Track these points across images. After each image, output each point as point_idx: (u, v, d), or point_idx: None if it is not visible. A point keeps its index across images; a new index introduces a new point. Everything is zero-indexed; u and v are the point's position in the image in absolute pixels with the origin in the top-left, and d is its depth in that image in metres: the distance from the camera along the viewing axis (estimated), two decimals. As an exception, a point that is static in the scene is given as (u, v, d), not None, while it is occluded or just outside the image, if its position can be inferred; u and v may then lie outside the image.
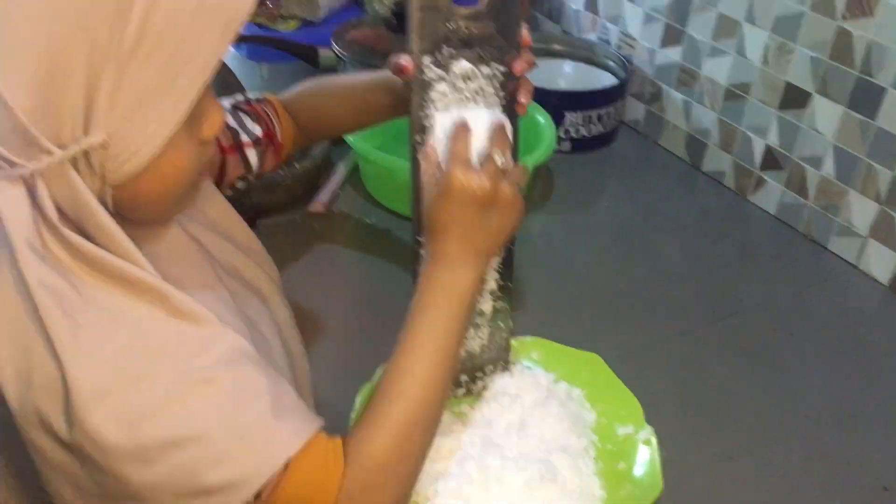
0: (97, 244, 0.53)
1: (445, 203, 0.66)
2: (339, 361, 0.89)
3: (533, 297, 1.02)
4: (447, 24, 0.69)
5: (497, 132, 0.69)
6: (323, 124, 0.91)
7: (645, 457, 0.79)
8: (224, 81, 1.28)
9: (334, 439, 0.60)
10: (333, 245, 1.10)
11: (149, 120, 0.51)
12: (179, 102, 0.51)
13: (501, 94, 0.72)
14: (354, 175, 1.21)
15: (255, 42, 1.40)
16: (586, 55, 1.43)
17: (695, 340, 0.98)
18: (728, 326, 1.00)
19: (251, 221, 1.09)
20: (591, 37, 1.46)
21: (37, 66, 0.47)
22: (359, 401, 0.81)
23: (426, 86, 0.70)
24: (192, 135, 0.56)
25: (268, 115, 0.86)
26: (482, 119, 0.70)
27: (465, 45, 0.70)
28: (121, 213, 0.56)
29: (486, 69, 0.71)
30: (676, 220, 1.21)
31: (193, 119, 0.55)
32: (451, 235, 0.67)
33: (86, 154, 0.50)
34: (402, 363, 0.65)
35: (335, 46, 1.31)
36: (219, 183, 0.82)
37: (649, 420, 0.81)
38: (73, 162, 0.51)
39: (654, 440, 0.80)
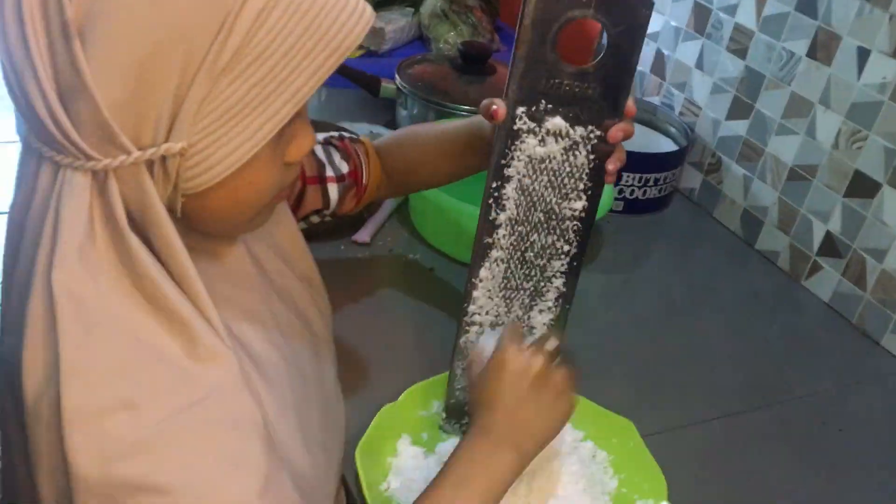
0: (154, 253, 0.50)
1: (494, 376, 0.66)
2: (366, 395, 0.85)
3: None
4: (550, 79, 0.66)
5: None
6: (413, 171, 0.88)
7: None
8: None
9: None
10: (373, 277, 1.07)
11: (233, 136, 0.49)
12: (267, 123, 0.49)
13: (591, 157, 0.70)
14: (402, 209, 1.19)
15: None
16: (647, 118, 1.41)
17: (734, 425, 0.94)
18: (771, 414, 0.96)
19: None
20: (655, 100, 1.44)
21: (130, 60, 0.45)
22: (373, 422, 0.78)
23: (514, 136, 0.68)
24: (276, 155, 0.54)
25: (357, 155, 0.85)
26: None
27: (565, 102, 0.67)
28: (187, 223, 0.54)
29: (580, 130, 0.68)
30: (723, 296, 1.17)
31: (281, 140, 0.53)
32: (499, 409, 0.66)
33: (163, 159, 0.49)
34: None
35: (398, 79, 1.30)
36: (294, 210, 0.80)
37: (674, 501, 0.77)
38: (149, 165, 0.49)
39: None
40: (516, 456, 0.65)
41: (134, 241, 0.48)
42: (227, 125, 0.48)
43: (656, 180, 1.28)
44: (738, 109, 1.27)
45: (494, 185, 0.69)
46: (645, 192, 1.29)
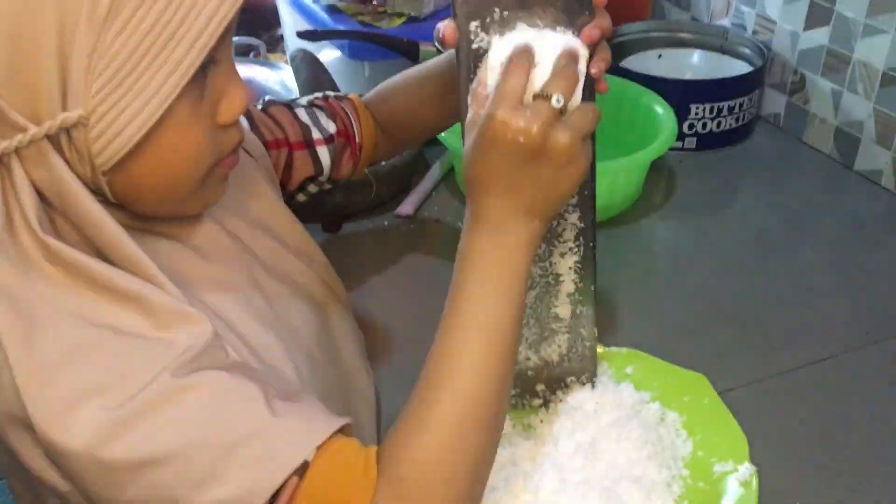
0: (85, 234, 0.47)
1: (483, 151, 0.53)
2: (414, 376, 0.79)
3: (646, 311, 0.90)
4: None
5: (564, 63, 0.54)
6: (409, 119, 0.80)
7: (737, 498, 0.65)
8: (316, 79, 1.22)
9: (368, 447, 0.50)
10: (422, 252, 1.01)
11: (134, 94, 0.44)
12: (171, 76, 0.44)
13: None
14: (450, 177, 1.12)
15: (352, 38, 1.33)
16: (718, 43, 1.28)
17: (838, 368, 0.82)
18: (883, 352, 0.83)
19: (335, 223, 1.03)
20: (724, 23, 1.31)
21: None
22: None
23: (475, 57, 0.57)
24: (200, 115, 0.49)
25: (345, 112, 0.78)
26: (551, 47, 0.55)
27: (522, 5, 0.57)
28: (129, 207, 0.50)
29: (549, 36, 0.58)
30: (823, 227, 1.05)
31: (205, 99, 0.49)
32: (492, 192, 0.53)
33: (68, 134, 0.44)
34: (445, 348, 0.53)
35: (436, 41, 1.22)
36: (285, 182, 0.75)
37: (758, 462, 0.67)
38: (56, 142, 0.45)
39: (754, 483, 0.65)
40: (522, 233, 0.54)
41: (39, 233, 0.44)
42: (124, 84, 0.43)
43: (730, 108, 1.15)
44: (817, 16, 1.13)
45: (467, 101, 0.58)
46: (719, 123, 1.16)
